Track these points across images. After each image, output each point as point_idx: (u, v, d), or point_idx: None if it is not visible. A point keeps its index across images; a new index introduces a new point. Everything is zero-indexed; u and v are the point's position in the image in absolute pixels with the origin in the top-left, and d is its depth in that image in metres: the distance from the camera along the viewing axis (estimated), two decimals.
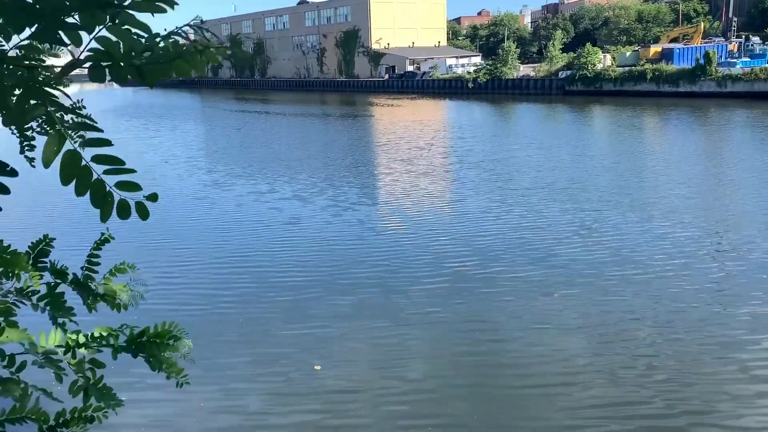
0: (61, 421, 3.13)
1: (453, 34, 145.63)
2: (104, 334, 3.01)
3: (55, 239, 3.24)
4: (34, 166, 3.53)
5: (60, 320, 3.27)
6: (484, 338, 11.96)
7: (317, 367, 11.01)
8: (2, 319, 3.12)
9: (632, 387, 10.02)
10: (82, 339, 3.02)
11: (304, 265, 16.37)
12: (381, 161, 34.40)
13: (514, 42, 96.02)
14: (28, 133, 3.50)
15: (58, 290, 3.17)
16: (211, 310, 13.60)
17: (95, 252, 3.34)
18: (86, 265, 3.32)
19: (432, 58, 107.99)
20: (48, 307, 3.16)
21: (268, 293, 14.41)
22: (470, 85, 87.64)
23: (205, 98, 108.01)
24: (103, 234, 3.51)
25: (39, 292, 3.19)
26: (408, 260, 16.44)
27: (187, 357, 3.17)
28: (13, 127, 3.46)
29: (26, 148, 3.56)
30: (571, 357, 11.07)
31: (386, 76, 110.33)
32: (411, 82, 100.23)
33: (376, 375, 10.71)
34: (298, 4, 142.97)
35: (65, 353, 2.99)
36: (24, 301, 3.32)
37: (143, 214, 2.61)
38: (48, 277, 3.23)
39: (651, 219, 19.80)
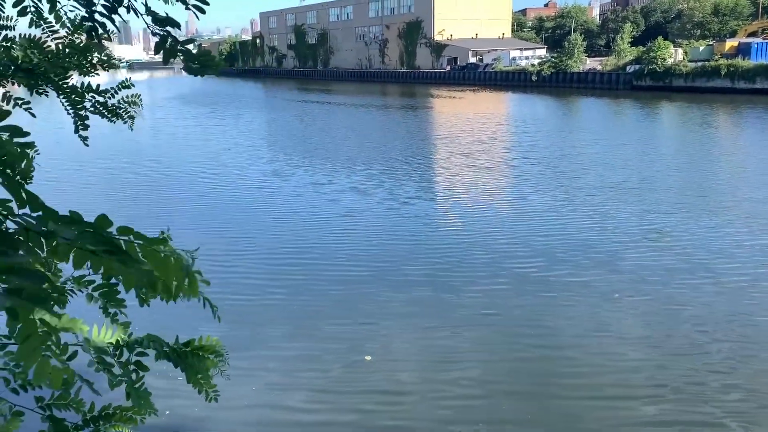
0: (103, 414, 3.19)
1: (518, 25, 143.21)
2: (153, 339, 3.05)
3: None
4: (87, 145, 3.56)
5: (111, 311, 3.30)
6: (541, 343, 11.58)
7: (368, 358, 11.01)
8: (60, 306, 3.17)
9: (699, 404, 9.52)
10: (131, 340, 3.07)
11: (358, 258, 16.31)
12: (441, 155, 33.98)
13: (580, 35, 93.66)
14: (82, 113, 3.54)
15: (113, 281, 3.23)
16: (263, 298, 13.73)
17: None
18: None
19: (495, 50, 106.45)
20: (101, 298, 3.16)
21: (321, 285, 14.42)
22: (534, 77, 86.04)
23: (268, 88, 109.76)
24: (162, 232, 3.53)
25: (94, 282, 3.22)
26: (465, 258, 16.14)
27: (224, 372, 3.20)
28: (69, 107, 3.51)
29: (80, 127, 3.59)
30: (633, 368, 10.61)
31: (448, 68, 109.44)
32: (473, 74, 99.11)
33: (426, 374, 10.56)
34: None
35: (115, 351, 3.03)
36: (81, 289, 3.33)
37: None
38: None
39: (726, 224, 18.79)
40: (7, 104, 3.36)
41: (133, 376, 2.98)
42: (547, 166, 28.85)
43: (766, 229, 18.31)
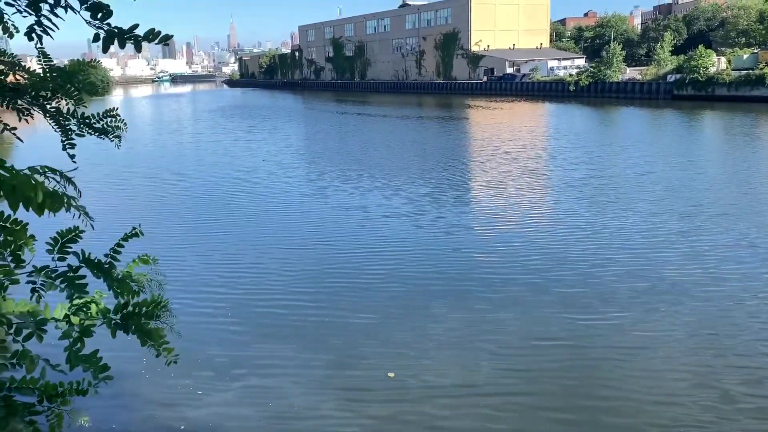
0: (60, 392, 3.23)
1: (557, 35, 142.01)
2: (90, 305, 3.12)
3: (84, 231, 3.43)
4: (75, 163, 3.81)
5: (75, 299, 3.37)
6: (584, 375, 10.76)
7: (391, 375, 10.91)
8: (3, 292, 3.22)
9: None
10: (72, 309, 3.13)
11: (390, 283, 15.54)
12: (481, 172, 31.85)
13: (620, 44, 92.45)
14: (69, 134, 3.83)
15: (80, 273, 3.37)
16: (289, 315, 13.69)
17: (121, 242, 3.55)
18: (110, 253, 3.50)
19: (533, 60, 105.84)
20: (64, 285, 3.28)
21: (352, 304, 14.20)
22: (571, 87, 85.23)
23: (307, 100, 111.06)
24: (133, 228, 3.74)
25: (57, 270, 3.35)
26: (506, 282, 15.17)
27: (174, 328, 3.25)
28: (55, 127, 3.80)
29: (67, 146, 3.85)
30: (693, 417, 9.53)
31: (484, 79, 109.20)
32: (510, 85, 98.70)
33: (454, 396, 10.29)
34: (400, 7, 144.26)
35: (66, 322, 3.11)
36: (43, 279, 3.39)
37: None
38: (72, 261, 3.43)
39: None
40: None
41: (78, 343, 3.03)
42: (612, 188, 25.97)
43: None
